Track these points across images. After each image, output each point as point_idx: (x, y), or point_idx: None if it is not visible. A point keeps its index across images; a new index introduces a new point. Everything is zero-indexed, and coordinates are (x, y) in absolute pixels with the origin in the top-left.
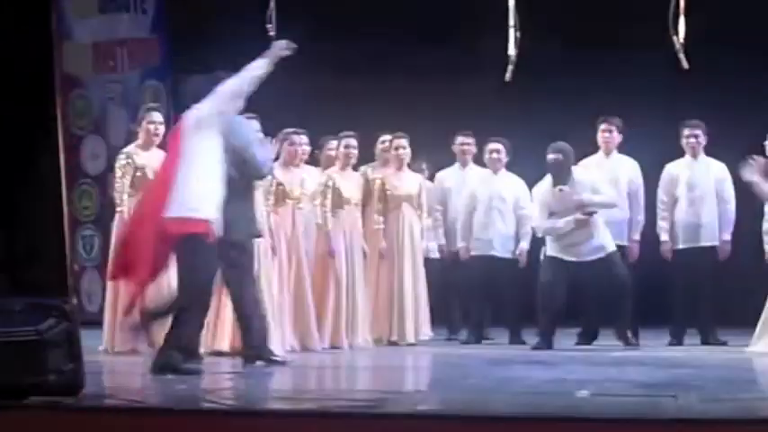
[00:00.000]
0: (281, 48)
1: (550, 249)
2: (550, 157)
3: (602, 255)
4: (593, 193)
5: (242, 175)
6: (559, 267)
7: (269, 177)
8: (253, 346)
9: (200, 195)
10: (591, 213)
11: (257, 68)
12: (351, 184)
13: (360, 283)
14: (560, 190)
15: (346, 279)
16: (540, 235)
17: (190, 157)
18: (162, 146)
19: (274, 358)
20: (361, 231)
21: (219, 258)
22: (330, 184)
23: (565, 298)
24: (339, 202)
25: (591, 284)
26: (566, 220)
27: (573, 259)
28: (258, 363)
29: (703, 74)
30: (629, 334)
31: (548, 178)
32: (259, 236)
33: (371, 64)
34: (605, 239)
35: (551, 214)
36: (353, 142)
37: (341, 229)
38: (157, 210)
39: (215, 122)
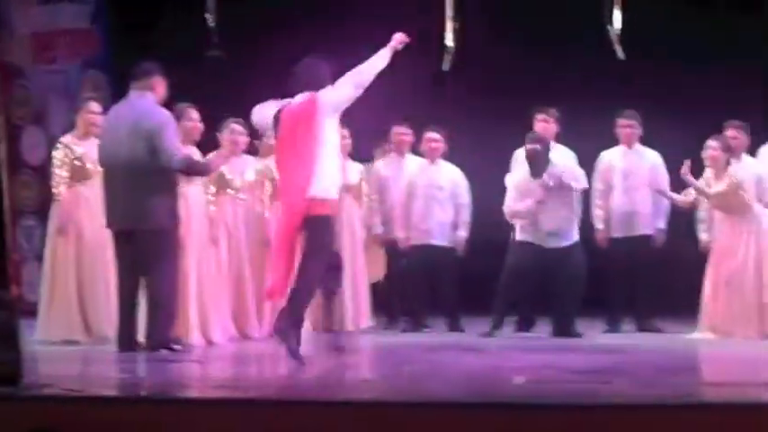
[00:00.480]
0: (400, 40)
1: (520, 233)
2: (528, 147)
3: (568, 243)
4: (566, 171)
5: (156, 163)
6: (527, 252)
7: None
8: (157, 335)
9: (333, 177)
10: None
11: (382, 60)
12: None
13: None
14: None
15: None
16: (509, 218)
17: (323, 141)
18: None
19: (176, 346)
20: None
21: (135, 246)
22: (268, 173)
23: (531, 283)
24: (277, 191)
25: (551, 272)
26: (526, 204)
27: (540, 244)
28: (162, 351)
29: (640, 64)
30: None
31: (523, 167)
32: (178, 224)
33: (310, 54)
34: (573, 229)
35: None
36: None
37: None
38: (300, 189)
39: (340, 109)
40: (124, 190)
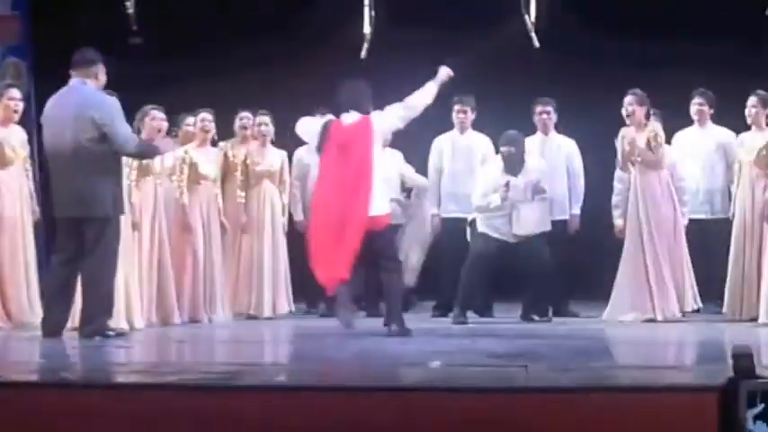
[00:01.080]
0: (447, 72)
1: (483, 226)
2: (503, 149)
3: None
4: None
5: (105, 151)
6: (489, 243)
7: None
8: (92, 321)
9: (383, 195)
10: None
11: (430, 95)
12: (208, 159)
13: (217, 257)
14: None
15: (203, 254)
16: (476, 212)
17: (375, 162)
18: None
19: (111, 333)
20: (219, 206)
21: (81, 233)
22: (187, 159)
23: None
24: (196, 177)
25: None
26: (494, 198)
27: (501, 237)
28: (97, 338)
29: (558, 52)
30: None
31: (499, 163)
32: (121, 212)
33: (229, 42)
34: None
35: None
36: (209, 117)
37: (197, 204)
38: (363, 207)
39: (385, 137)
40: (71, 178)
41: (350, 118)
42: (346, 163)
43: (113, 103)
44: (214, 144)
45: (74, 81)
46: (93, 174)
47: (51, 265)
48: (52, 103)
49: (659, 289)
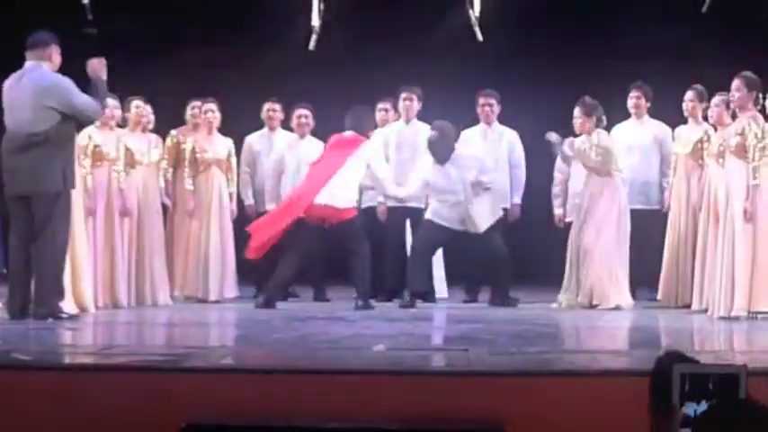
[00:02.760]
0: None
1: (430, 213)
2: (429, 135)
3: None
4: (480, 166)
5: (60, 131)
6: (435, 230)
7: (87, 139)
8: (45, 302)
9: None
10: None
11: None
12: (141, 145)
13: (157, 241)
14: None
15: (138, 238)
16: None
17: (347, 168)
18: None
19: (63, 315)
20: (155, 191)
21: (30, 211)
22: (121, 144)
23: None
24: (131, 162)
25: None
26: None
27: (449, 225)
28: (49, 320)
29: (501, 45)
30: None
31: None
32: (71, 188)
33: (181, 32)
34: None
35: (437, 191)
36: (141, 103)
37: (134, 189)
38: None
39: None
40: (23, 158)
41: (349, 136)
42: (324, 163)
43: (67, 84)
44: (156, 131)
45: (29, 64)
46: (45, 151)
47: (9, 248)
48: (8, 87)
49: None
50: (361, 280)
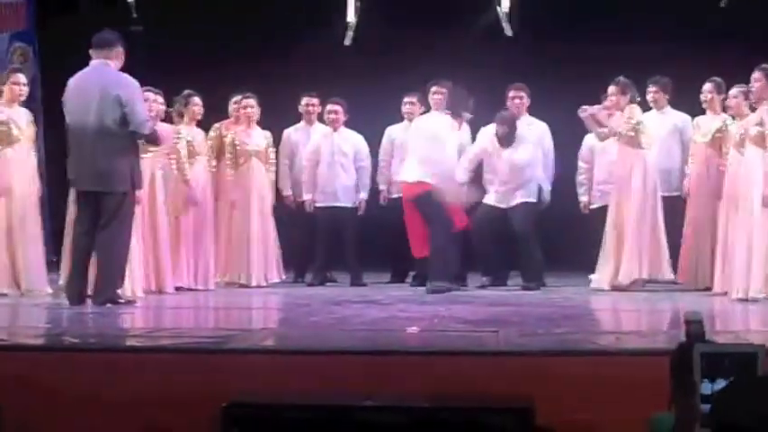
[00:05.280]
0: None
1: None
2: (498, 129)
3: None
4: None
5: (126, 130)
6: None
7: None
8: (105, 289)
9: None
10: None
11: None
12: (198, 138)
13: (209, 230)
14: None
15: (194, 227)
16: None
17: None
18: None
19: (121, 300)
20: (210, 182)
21: (97, 206)
22: (182, 138)
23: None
24: (193, 154)
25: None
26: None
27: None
28: (108, 305)
29: (529, 40)
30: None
31: (489, 137)
32: (137, 188)
33: (227, 31)
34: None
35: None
36: (197, 100)
37: (193, 180)
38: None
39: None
40: (91, 153)
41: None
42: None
43: (135, 85)
44: (199, 124)
45: (95, 62)
46: (115, 151)
47: (73, 236)
48: (75, 83)
49: None
50: (433, 256)
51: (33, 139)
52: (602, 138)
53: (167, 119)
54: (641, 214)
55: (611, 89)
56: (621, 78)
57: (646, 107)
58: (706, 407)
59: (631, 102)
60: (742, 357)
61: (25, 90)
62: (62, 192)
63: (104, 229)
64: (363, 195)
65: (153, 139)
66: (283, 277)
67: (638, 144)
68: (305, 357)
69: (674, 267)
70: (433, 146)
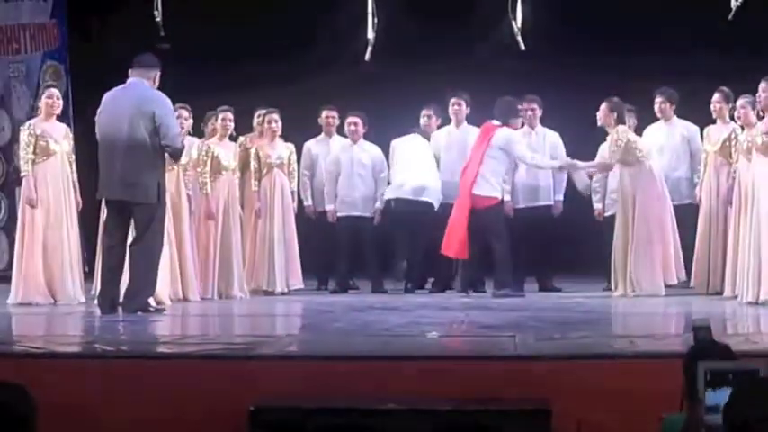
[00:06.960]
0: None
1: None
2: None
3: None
4: None
5: (155, 144)
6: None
7: None
8: (136, 298)
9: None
10: None
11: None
12: (227, 152)
13: (236, 241)
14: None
15: (221, 238)
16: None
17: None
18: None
19: (151, 308)
20: (236, 195)
21: (128, 217)
22: (209, 153)
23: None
24: (218, 168)
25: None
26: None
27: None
28: (139, 313)
29: (541, 54)
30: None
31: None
32: (164, 198)
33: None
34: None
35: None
36: (230, 115)
37: (218, 193)
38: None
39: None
40: (122, 165)
41: (494, 122)
42: (472, 154)
43: (169, 103)
44: (233, 139)
45: (133, 79)
46: (144, 163)
47: (105, 248)
48: (111, 97)
49: None
50: (500, 266)
51: (70, 152)
52: (603, 169)
53: (198, 133)
54: (647, 224)
55: (603, 105)
56: (614, 98)
57: (653, 117)
58: (710, 417)
59: (620, 121)
60: (745, 374)
61: (59, 104)
62: (94, 204)
63: (138, 242)
64: (379, 205)
65: (180, 154)
66: (303, 285)
67: (635, 160)
68: (328, 362)
69: (688, 272)
70: (499, 161)
